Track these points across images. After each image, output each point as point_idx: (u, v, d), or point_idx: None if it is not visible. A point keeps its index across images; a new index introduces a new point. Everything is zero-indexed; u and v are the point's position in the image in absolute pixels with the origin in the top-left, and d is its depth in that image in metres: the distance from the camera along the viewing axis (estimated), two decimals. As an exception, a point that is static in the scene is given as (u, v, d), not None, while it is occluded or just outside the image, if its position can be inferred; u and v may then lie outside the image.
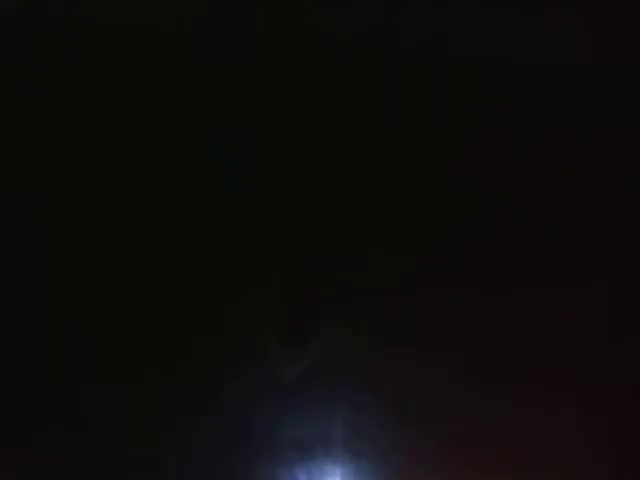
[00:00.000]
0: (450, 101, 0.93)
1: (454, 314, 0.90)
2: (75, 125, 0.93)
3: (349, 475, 0.88)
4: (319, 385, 0.88)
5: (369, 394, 0.88)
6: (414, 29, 0.94)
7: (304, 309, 0.90)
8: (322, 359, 0.89)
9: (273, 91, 0.94)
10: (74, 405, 0.88)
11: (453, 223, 0.91)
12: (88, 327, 0.89)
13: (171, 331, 0.89)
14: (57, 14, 0.95)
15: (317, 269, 0.90)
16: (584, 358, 0.89)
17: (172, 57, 0.94)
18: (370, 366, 0.89)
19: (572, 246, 0.91)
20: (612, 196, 0.92)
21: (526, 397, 0.88)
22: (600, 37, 0.95)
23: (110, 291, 0.90)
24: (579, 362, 0.89)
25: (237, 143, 0.93)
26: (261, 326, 0.89)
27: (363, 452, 0.88)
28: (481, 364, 0.89)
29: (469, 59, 0.94)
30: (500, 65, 0.94)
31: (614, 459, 0.88)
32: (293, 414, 0.88)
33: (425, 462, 0.87)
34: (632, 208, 0.92)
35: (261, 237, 0.91)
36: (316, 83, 0.94)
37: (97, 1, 0.96)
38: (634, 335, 0.89)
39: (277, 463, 0.87)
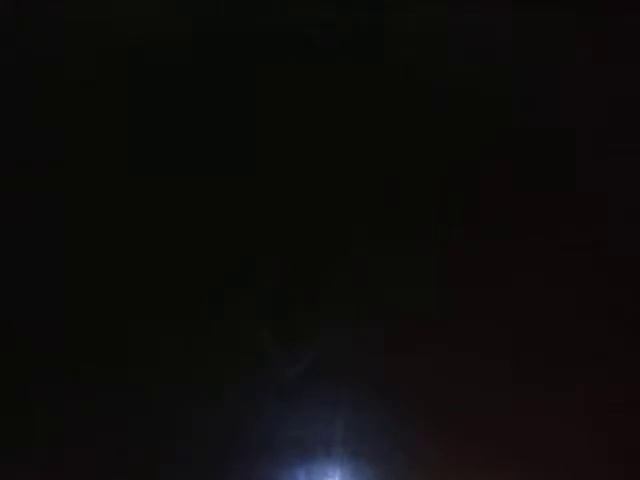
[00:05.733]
0: (450, 101, 0.93)
1: (454, 314, 0.90)
2: (76, 121, 0.94)
3: (349, 475, 0.88)
4: (319, 385, 0.89)
5: (369, 394, 0.88)
6: (414, 29, 0.94)
7: (304, 309, 0.90)
8: (322, 359, 0.89)
9: (273, 91, 0.94)
10: (74, 405, 0.88)
11: (454, 223, 0.91)
12: (88, 327, 0.89)
13: (171, 331, 0.89)
14: (57, 14, 0.95)
15: (317, 269, 0.91)
16: (584, 358, 0.89)
17: (172, 56, 0.94)
18: (370, 366, 0.89)
19: (572, 246, 0.91)
20: (612, 196, 0.92)
21: (526, 397, 0.88)
22: (600, 37, 0.95)
23: (110, 291, 0.90)
24: (579, 362, 0.89)
25: (237, 144, 0.93)
26: (261, 326, 0.89)
27: (363, 452, 0.88)
28: (481, 364, 0.89)
29: (469, 59, 0.94)
30: (500, 65, 0.94)
31: (614, 459, 0.88)
32: (293, 414, 0.88)
33: (425, 462, 0.87)
34: (632, 206, 0.92)
35: (261, 238, 0.91)
36: (316, 83, 0.94)
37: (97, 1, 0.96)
38: (634, 335, 0.90)
39: (277, 463, 0.87)
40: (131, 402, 0.88)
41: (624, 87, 0.94)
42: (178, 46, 0.95)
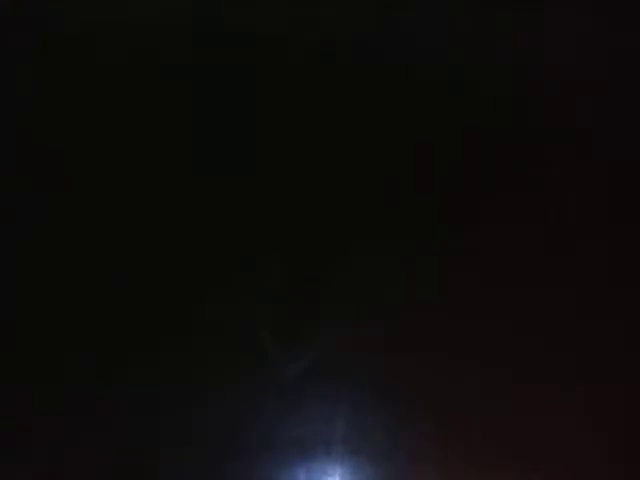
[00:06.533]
0: (449, 101, 0.93)
1: (454, 314, 0.90)
2: (76, 120, 0.94)
3: (349, 474, 0.88)
4: (319, 385, 0.89)
5: (369, 394, 0.89)
6: (414, 29, 0.94)
7: (304, 309, 0.90)
8: (322, 359, 0.89)
9: (273, 90, 0.94)
10: (75, 405, 0.88)
11: (454, 223, 0.91)
12: (88, 328, 0.89)
13: (171, 331, 0.89)
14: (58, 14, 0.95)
15: (317, 269, 0.91)
16: (585, 359, 0.89)
17: (171, 57, 0.94)
18: (370, 366, 0.89)
19: (572, 248, 0.91)
20: (612, 195, 0.92)
21: (526, 398, 0.88)
22: (600, 35, 0.95)
23: (110, 291, 0.90)
24: (579, 363, 0.89)
25: (237, 144, 0.93)
26: (261, 326, 0.89)
27: (363, 451, 0.88)
28: (481, 364, 0.89)
29: (469, 59, 0.94)
30: (501, 65, 0.94)
31: (614, 459, 0.88)
32: (293, 414, 0.88)
33: (425, 461, 0.88)
34: (632, 205, 0.92)
35: (261, 237, 0.91)
36: (316, 83, 0.94)
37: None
38: (634, 335, 0.90)
39: (277, 463, 0.88)
40: (131, 402, 0.88)
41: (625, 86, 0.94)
42: (178, 46, 0.95)
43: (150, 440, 0.87)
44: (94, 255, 0.91)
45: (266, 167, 0.92)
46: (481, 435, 0.87)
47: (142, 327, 0.89)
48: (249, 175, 0.92)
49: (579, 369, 0.89)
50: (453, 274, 0.90)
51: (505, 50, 0.94)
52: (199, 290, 0.90)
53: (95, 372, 0.88)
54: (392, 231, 0.91)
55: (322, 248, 0.91)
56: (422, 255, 0.91)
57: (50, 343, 0.89)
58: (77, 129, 0.93)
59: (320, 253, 0.91)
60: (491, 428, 0.88)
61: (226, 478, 0.87)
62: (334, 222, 0.91)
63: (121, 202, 0.92)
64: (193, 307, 0.89)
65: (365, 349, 0.89)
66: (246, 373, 0.88)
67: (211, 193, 0.92)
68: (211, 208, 0.92)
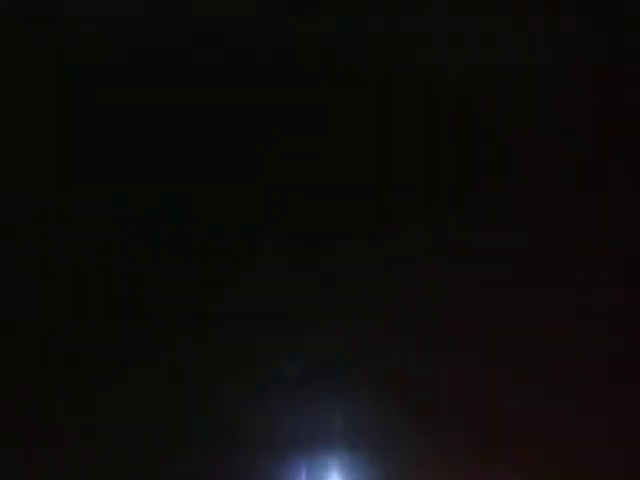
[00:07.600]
0: (449, 101, 0.94)
1: (454, 314, 0.90)
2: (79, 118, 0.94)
3: (349, 472, 0.88)
4: (319, 385, 0.89)
5: (369, 393, 0.89)
6: (416, 32, 0.95)
7: (304, 308, 0.90)
8: (322, 357, 0.89)
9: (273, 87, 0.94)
10: (74, 405, 0.88)
11: (453, 223, 0.91)
12: (89, 327, 0.89)
13: (171, 330, 0.89)
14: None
15: (318, 269, 0.91)
16: (584, 358, 0.89)
17: (173, 57, 0.94)
18: (370, 366, 0.89)
19: (571, 247, 0.91)
20: (611, 194, 0.93)
21: (527, 397, 0.88)
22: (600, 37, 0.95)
23: (111, 292, 0.90)
24: (579, 363, 0.89)
25: (237, 140, 0.93)
26: (261, 326, 0.89)
27: (363, 449, 0.88)
28: (481, 364, 0.89)
29: (470, 60, 0.94)
30: (499, 65, 0.94)
31: (614, 459, 0.88)
32: (293, 412, 0.88)
33: (425, 460, 0.88)
34: (631, 205, 0.92)
35: (261, 237, 0.91)
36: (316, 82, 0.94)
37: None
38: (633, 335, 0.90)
39: (277, 462, 0.88)
40: (130, 402, 0.88)
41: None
42: (180, 46, 0.95)
43: (150, 440, 0.87)
44: (96, 256, 0.91)
45: (267, 173, 0.92)
46: (481, 434, 0.88)
47: (143, 327, 0.89)
48: (248, 180, 0.92)
49: (579, 370, 0.89)
50: (453, 275, 0.91)
51: (504, 52, 0.94)
52: (200, 291, 0.90)
53: (95, 372, 0.88)
54: (392, 229, 0.91)
55: (322, 249, 0.91)
56: (423, 255, 0.91)
57: (50, 344, 0.89)
58: (81, 128, 0.93)
59: (320, 254, 0.91)
60: (492, 428, 0.88)
61: (226, 477, 0.87)
62: (335, 222, 0.92)
63: (121, 201, 0.92)
64: (194, 307, 0.90)
65: (365, 349, 0.89)
66: (246, 373, 0.88)
67: (211, 193, 0.92)
68: (210, 207, 0.92)
